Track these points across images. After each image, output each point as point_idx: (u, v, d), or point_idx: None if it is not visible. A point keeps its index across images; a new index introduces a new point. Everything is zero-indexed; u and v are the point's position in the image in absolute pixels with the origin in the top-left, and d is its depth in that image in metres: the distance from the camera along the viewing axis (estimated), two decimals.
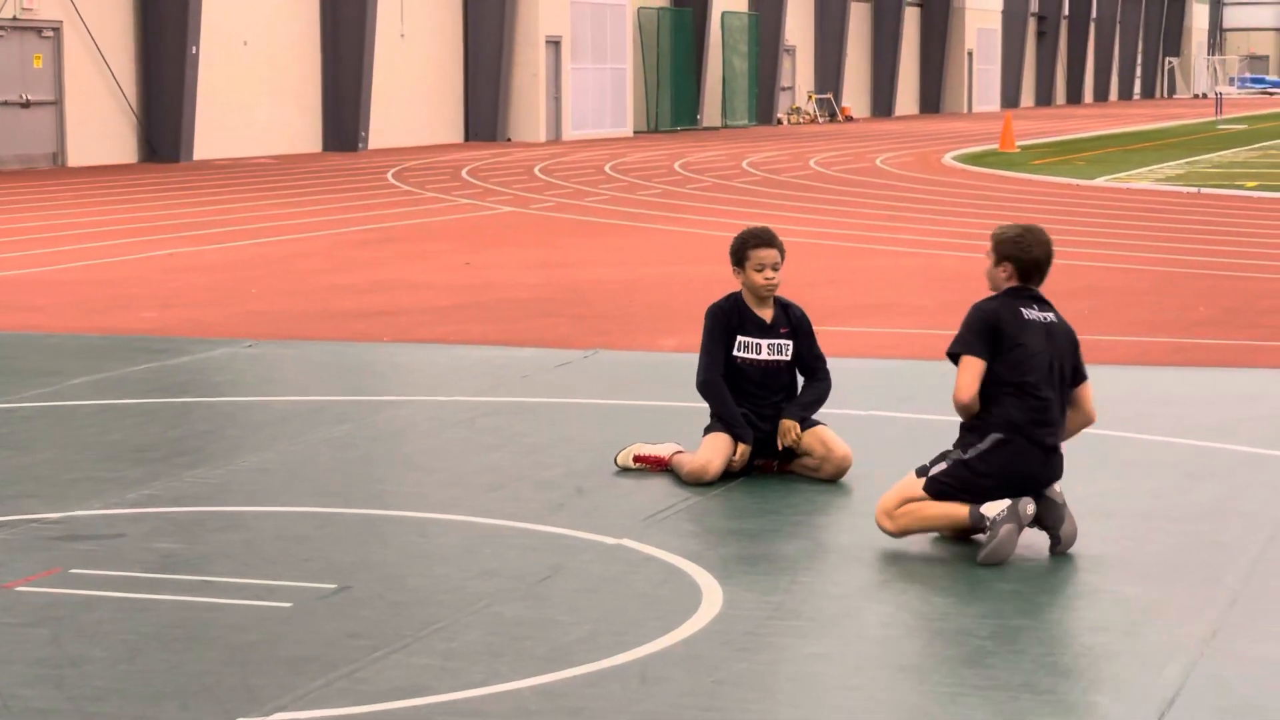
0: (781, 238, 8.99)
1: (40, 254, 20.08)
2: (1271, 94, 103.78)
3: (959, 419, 7.55)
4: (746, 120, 60.77)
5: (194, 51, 37.97)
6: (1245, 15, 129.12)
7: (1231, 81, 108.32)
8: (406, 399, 11.16)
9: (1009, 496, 7.31)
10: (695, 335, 9.52)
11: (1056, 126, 59.06)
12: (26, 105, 35.83)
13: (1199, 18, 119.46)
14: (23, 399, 10.86)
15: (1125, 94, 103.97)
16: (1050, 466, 7.41)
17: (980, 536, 7.44)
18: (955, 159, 38.65)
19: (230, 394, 11.34)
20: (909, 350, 13.01)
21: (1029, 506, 7.29)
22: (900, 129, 58.07)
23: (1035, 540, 7.43)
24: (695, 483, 8.60)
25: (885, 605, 6.77)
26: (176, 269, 18.53)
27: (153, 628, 6.35)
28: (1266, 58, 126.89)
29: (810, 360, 8.97)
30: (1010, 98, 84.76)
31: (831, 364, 9.07)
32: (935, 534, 7.59)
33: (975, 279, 16.98)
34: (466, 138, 48.32)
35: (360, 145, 43.15)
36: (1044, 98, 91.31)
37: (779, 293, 8.97)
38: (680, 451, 8.86)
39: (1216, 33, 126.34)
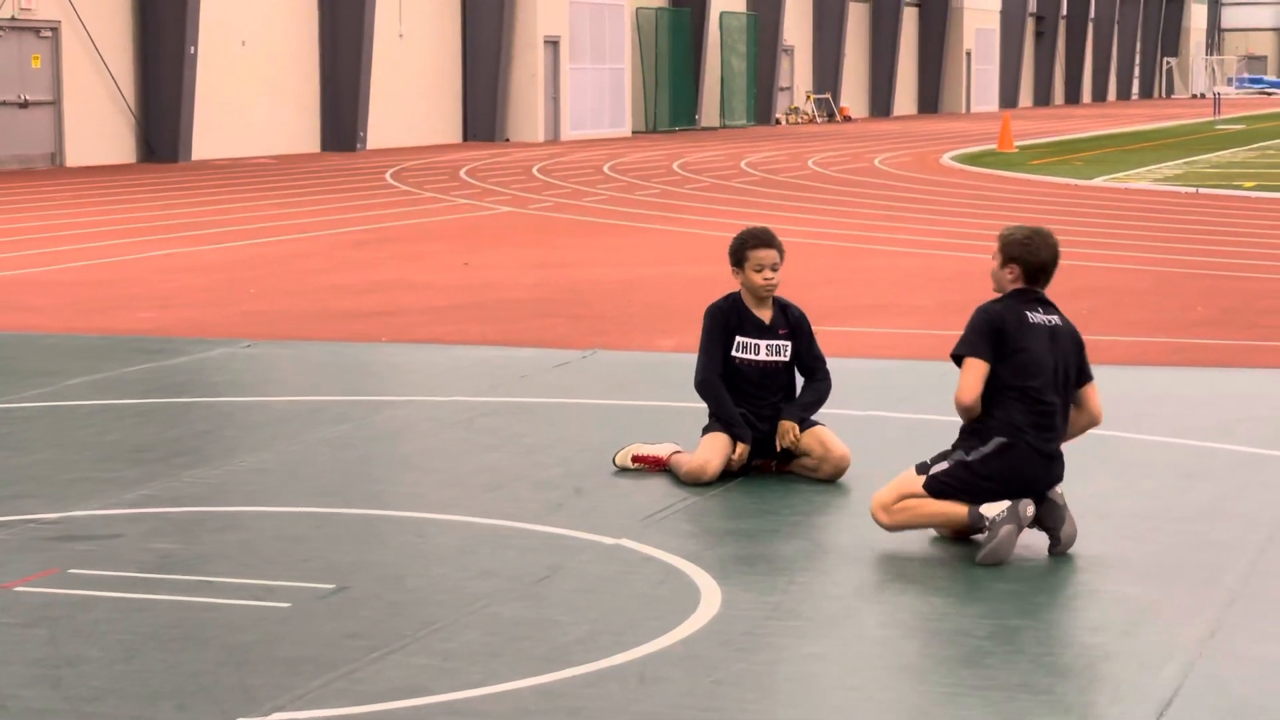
0: (780, 238, 8.99)
1: (38, 254, 20.07)
2: (1269, 94, 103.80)
3: (959, 419, 7.55)
4: (745, 120, 60.78)
5: (192, 51, 37.97)
6: (1243, 15, 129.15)
7: (1229, 82, 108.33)
8: (405, 399, 11.16)
9: (1009, 498, 7.31)
10: (693, 335, 9.52)
11: (1055, 127, 59.07)
12: (24, 105, 35.83)
13: (1197, 18, 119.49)
14: (20, 399, 10.86)
15: (1123, 94, 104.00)
16: (1051, 470, 7.41)
17: (979, 537, 7.44)
18: (953, 159, 38.65)
19: (228, 394, 11.33)
20: (907, 350, 13.01)
21: (1029, 508, 7.29)
22: (898, 129, 58.08)
23: (1033, 540, 7.43)
24: (694, 483, 8.60)
25: (883, 605, 6.77)
26: (174, 269, 18.52)
27: (150, 628, 6.35)
28: (1265, 58, 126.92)
29: (809, 361, 8.97)
30: (1008, 98, 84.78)
31: (830, 364, 9.07)
32: (934, 535, 7.59)
33: (974, 279, 17.02)
34: (465, 138, 48.33)
35: (359, 145, 43.15)
36: (1042, 98, 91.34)
37: (778, 293, 8.97)
38: (678, 451, 8.85)
39: (1214, 33, 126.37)
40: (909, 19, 75.74)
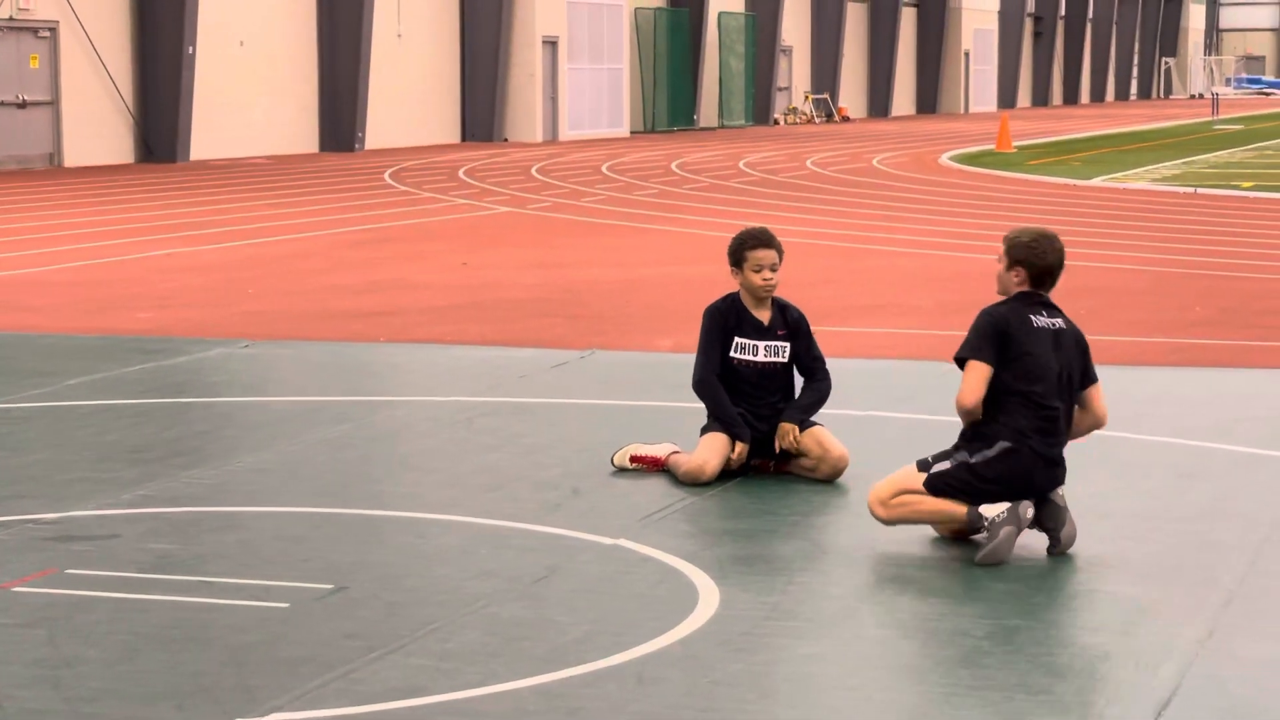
0: (779, 238, 8.99)
1: (36, 254, 20.07)
2: (1268, 94, 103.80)
3: (958, 420, 7.54)
4: (743, 120, 60.78)
5: (191, 52, 37.96)
6: (1242, 15, 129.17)
7: (1228, 82, 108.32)
8: (403, 399, 11.16)
9: (1010, 500, 7.31)
10: (692, 335, 9.52)
11: (1053, 127, 59.08)
12: (23, 105, 35.82)
13: (1195, 18, 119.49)
14: (19, 399, 10.86)
15: (1122, 94, 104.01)
16: (1053, 474, 7.40)
17: (978, 537, 7.44)
18: (952, 159, 38.65)
19: (227, 394, 11.33)
20: (906, 350, 13.02)
21: (1029, 510, 7.29)
22: (897, 129, 58.09)
23: (1032, 541, 7.43)
24: (692, 483, 8.60)
25: (882, 606, 6.77)
26: (173, 269, 18.52)
27: (149, 628, 6.35)
28: (1263, 58, 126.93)
29: (808, 362, 8.97)
30: (1007, 98, 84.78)
31: (828, 364, 9.07)
32: (933, 535, 7.59)
33: (972, 279, 17.03)
34: (463, 138, 48.32)
35: (357, 145, 43.15)
36: (1040, 98, 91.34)
37: (777, 293, 8.96)
38: (677, 451, 8.85)
39: (1213, 33, 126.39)
40: (907, 19, 75.75)
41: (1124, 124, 61.34)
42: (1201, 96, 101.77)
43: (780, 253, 8.91)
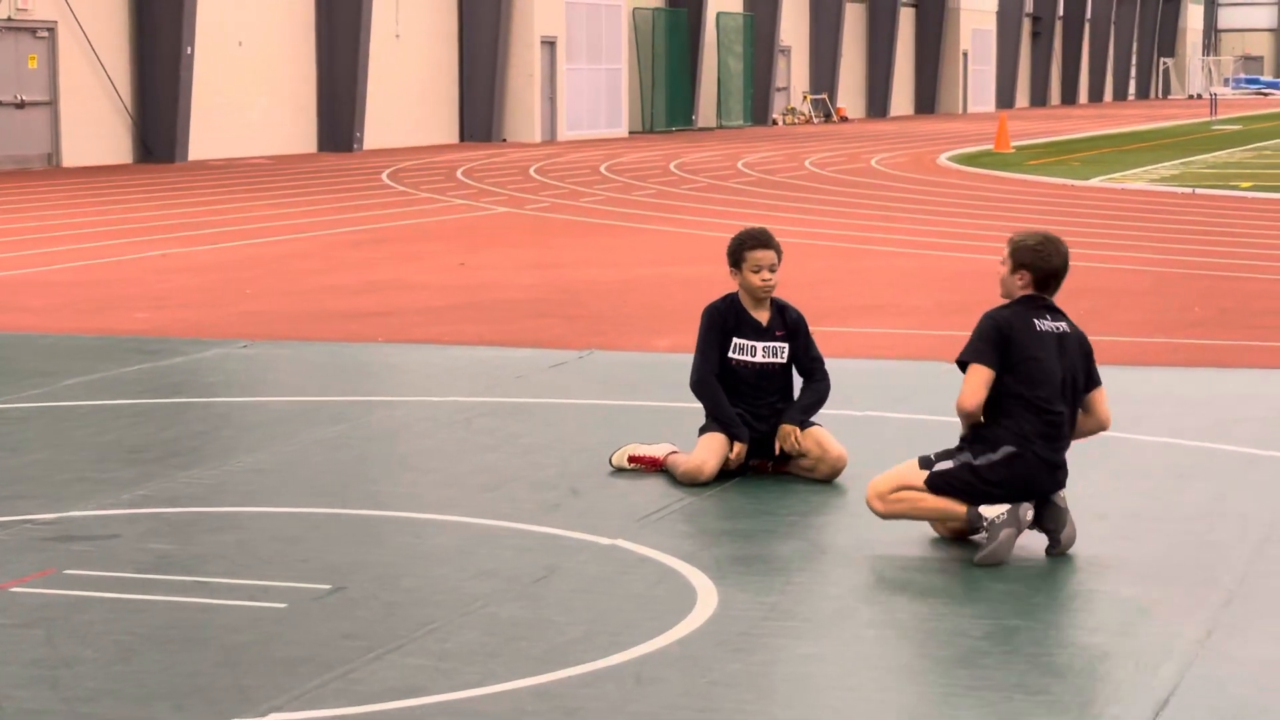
0: (777, 239, 8.99)
1: (34, 255, 20.07)
2: (1266, 95, 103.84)
3: (956, 420, 7.53)
4: (742, 121, 60.79)
5: (189, 52, 37.96)
6: (1240, 16, 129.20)
7: (1226, 82, 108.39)
8: (401, 399, 11.16)
9: (1011, 502, 7.30)
10: (690, 335, 9.52)
11: (1051, 127, 59.09)
12: (21, 106, 35.81)
13: (1194, 18, 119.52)
14: (17, 399, 10.85)
15: (1120, 94, 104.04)
16: (1056, 477, 7.40)
17: (977, 537, 7.43)
18: (950, 159, 38.66)
19: (224, 394, 11.33)
20: (904, 350, 13.01)
21: (1029, 512, 7.29)
22: (895, 129, 58.10)
23: (1030, 541, 7.43)
24: (690, 483, 8.60)
25: (880, 606, 6.77)
26: (171, 269, 18.52)
27: (147, 628, 6.34)
28: (1261, 58, 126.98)
29: (807, 362, 8.96)
30: (1005, 98, 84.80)
31: (827, 364, 9.07)
32: (932, 535, 7.59)
33: (971, 279, 17.03)
34: (461, 138, 48.32)
35: (355, 146, 43.14)
36: (1039, 98, 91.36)
37: (775, 294, 8.96)
38: (675, 452, 8.85)
39: (1211, 33, 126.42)
40: (905, 19, 75.76)
41: (1122, 124, 61.35)
42: (1200, 97, 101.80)
43: (779, 253, 8.90)
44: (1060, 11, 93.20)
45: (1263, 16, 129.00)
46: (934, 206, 26.63)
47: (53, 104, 36.46)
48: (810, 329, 9.04)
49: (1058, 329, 7.45)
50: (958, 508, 7.38)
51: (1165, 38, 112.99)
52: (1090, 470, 8.59)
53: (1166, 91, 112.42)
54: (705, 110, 58.78)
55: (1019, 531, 7.26)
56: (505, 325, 14.34)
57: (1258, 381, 11.62)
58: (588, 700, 5.64)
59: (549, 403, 10.84)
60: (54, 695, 5.68)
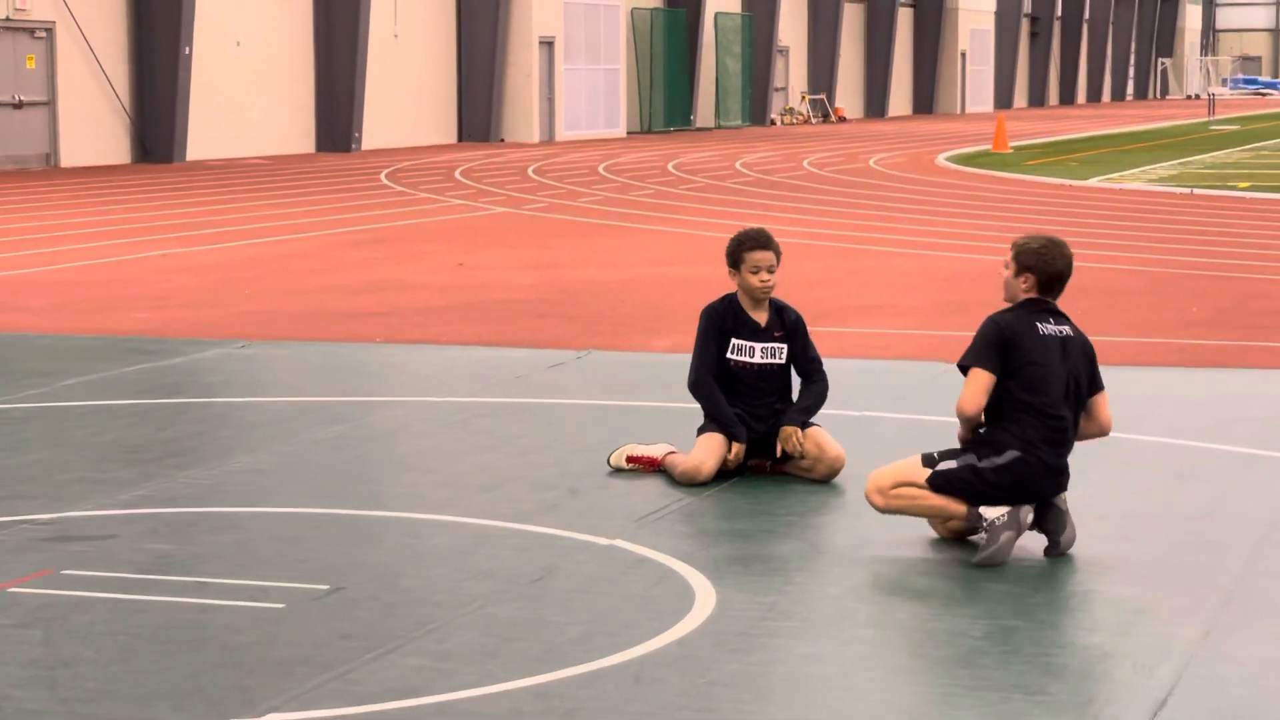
0: (776, 239, 8.99)
1: (33, 255, 20.07)
2: (1264, 95, 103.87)
3: (954, 420, 7.53)
4: (740, 121, 60.79)
5: (187, 52, 37.96)
6: (1238, 16, 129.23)
7: (1224, 82, 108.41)
8: (400, 400, 11.16)
9: (1012, 504, 7.30)
10: (688, 336, 9.52)
11: (1049, 127, 59.10)
12: (19, 106, 35.81)
13: (1192, 18, 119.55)
14: (16, 400, 10.85)
15: (1118, 95, 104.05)
16: (1058, 481, 7.39)
17: (976, 538, 7.44)
18: (948, 160, 38.66)
19: (223, 395, 11.33)
20: (902, 351, 13.02)
21: (1029, 515, 7.29)
22: (893, 130, 58.10)
23: (1029, 542, 7.43)
24: (688, 483, 8.60)
25: (879, 606, 6.77)
26: (169, 270, 18.52)
27: (146, 629, 6.34)
28: (1259, 59, 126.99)
29: (805, 363, 8.97)
30: (1003, 98, 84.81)
31: (825, 365, 9.07)
32: (932, 536, 7.59)
33: (969, 279, 17.03)
34: (460, 138, 48.32)
35: (353, 146, 43.14)
36: (1037, 98, 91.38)
37: (774, 294, 8.96)
38: (673, 452, 8.85)
39: (1209, 33, 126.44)
40: (904, 19, 75.76)
41: (1120, 124, 61.36)
42: (1198, 97, 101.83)
43: (778, 254, 8.90)
44: (1058, 12, 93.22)
45: (1261, 16, 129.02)
46: (932, 207, 26.63)
47: (51, 104, 36.45)
48: (808, 329, 9.04)
49: (1061, 333, 7.43)
50: (958, 507, 7.38)
51: (1163, 38, 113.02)
52: (1089, 470, 8.58)
53: (1164, 92, 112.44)
54: (703, 110, 58.79)
55: (1019, 534, 7.27)
56: (504, 325, 14.34)
57: (1256, 381, 11.62)
58: (586, 700, 5.65)
59: (547, 403, 10.84)
60: (52, 696, 5.68)
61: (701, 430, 8.82)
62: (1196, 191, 29.01)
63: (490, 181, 32.29)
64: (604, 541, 7.55)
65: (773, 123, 62.80)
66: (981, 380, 7.35)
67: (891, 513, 7.54)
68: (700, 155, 41.04)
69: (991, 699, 5.68)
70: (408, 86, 46.12)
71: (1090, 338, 7.65)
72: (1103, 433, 7.64)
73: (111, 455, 9.30)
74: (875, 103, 73.08)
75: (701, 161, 38.50)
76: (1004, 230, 21.72)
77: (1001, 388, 7.35)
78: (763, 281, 8.82)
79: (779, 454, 8.76)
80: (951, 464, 7.42)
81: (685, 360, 9.25)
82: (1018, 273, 7.50)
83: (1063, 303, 7.64)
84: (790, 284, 12.19)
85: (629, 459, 8.89)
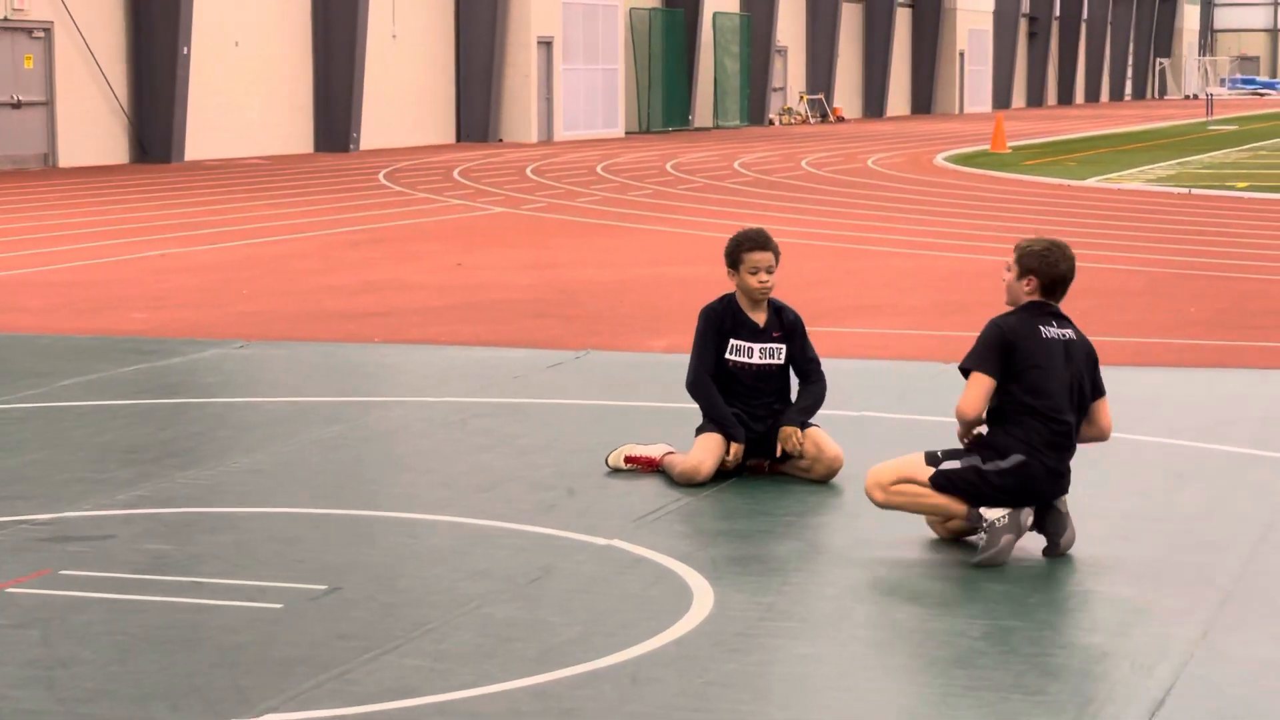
0: (775, 240, 8.98)
1: (31, 255, 20.06)
2: (1262, 95, 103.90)
3: (953, 420, 7.53)
4: (738, 121, 60.79)
5: (185, 52, 37.95)
6: (1236, 16, 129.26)
7: (1222, 82, 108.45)
8: (398, 400, 11.16)
9: (1012, 505, 7.29)
10: (687, 336, 9.52)
11: (1048, 127, 59.11)
12: (17, 106, 35.80)
13: (1190, 19, 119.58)
14: (13, 400, 10.85)
15: (1116, 95, 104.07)
16: (1059, 485, 7.39)
17: (975, 538, 7.43)
18: (947, 160, 38.67)
19: (221, 395, 11.33)
20: (900, 351, 13.02)
21: (1029, 517, 7.28)
22: (892, 130, 58.11)
23: (1028, 542, 7.43)
24: (687, 483, 8.60)
25: (877, 606, 6.77)
26: (168, 270, 18.51)
27: (143, 629, 6.34)
28: (1257, 59, 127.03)
29: (804, 363, 8.97)
30: (1001, 98, 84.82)
31: (823, 365, 9.07)
32: (931, 536, 7.58)
33: (967, 279, 17.03)
34: (458, 138, 48.32)
35: (352, 146, 43.14)
36: (1035, 98, 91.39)
37: (772, 294, 8.95)
38: (672, 452, 8.85)
39: (1207, 34, 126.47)
40: (902, 19, 75.78)
41: (1119, 124, 61.37)
42: (1196, 97, 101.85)
43: (777, 255, 8.90)
44: (1057, 12, 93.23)
45: (1259, 17, 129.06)
46: (930, 207, 26.63)
47: (49, 104, 36.45)
48: (807, 329, 9.04)
49: (1064, 336, 7.42)
50: (958, 507, 7.37)
51: (1161, 38, 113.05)
52: (1087, 470, 8.58)
53: (1163, 92, 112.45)
54: (702, 110, 58.79)
55: (1019, 537, 7.26)
56: (502, 325, 14.34)
57: (1254, 382, 11.62)
58: (584, 701, 5.64)
59: (546, 403, 10.84)
60: (50, 696, 5.68)
61: (700, 430, 8.82)
62: (1195, 191, 29.02)
63: (488, 181, 32.29)
64: (602, 542, 7.54)
65: (771, 123, 62.81)
66: (982, 384, 7.34)
67: (890, 508, 7.53)
68: (698, 155, 41.04)
69: (990, 699, 5.67)
70: (406, 86, 46.13)
71: (1089, 338, 7.64)
72: (1102, 437, 7.63)
73: (109, 455, 9.30)
74: (873, 103, 73.09)
75: (700, 161, 38.50)
76: (1002, 230, 21.72)
77: (1005, 391, 7.34)
78: (761, 282, 8.81)
79: (778, 454, 8.76)
80: (955, 464, 7.41)
81: (683, 360, 9.24)
82: (1020, 275, 7.49)
83: (1062, 303, 7.63)
84: (788, 284, 12.19)
85: (627, 459, 8.88)
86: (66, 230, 23.00)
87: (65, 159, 36.63)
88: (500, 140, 48.32)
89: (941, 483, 7.40)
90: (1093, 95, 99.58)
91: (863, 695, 5.77)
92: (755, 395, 8.85)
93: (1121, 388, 10.93)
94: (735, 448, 8.72)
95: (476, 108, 48.20)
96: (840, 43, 68.71)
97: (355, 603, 6.66)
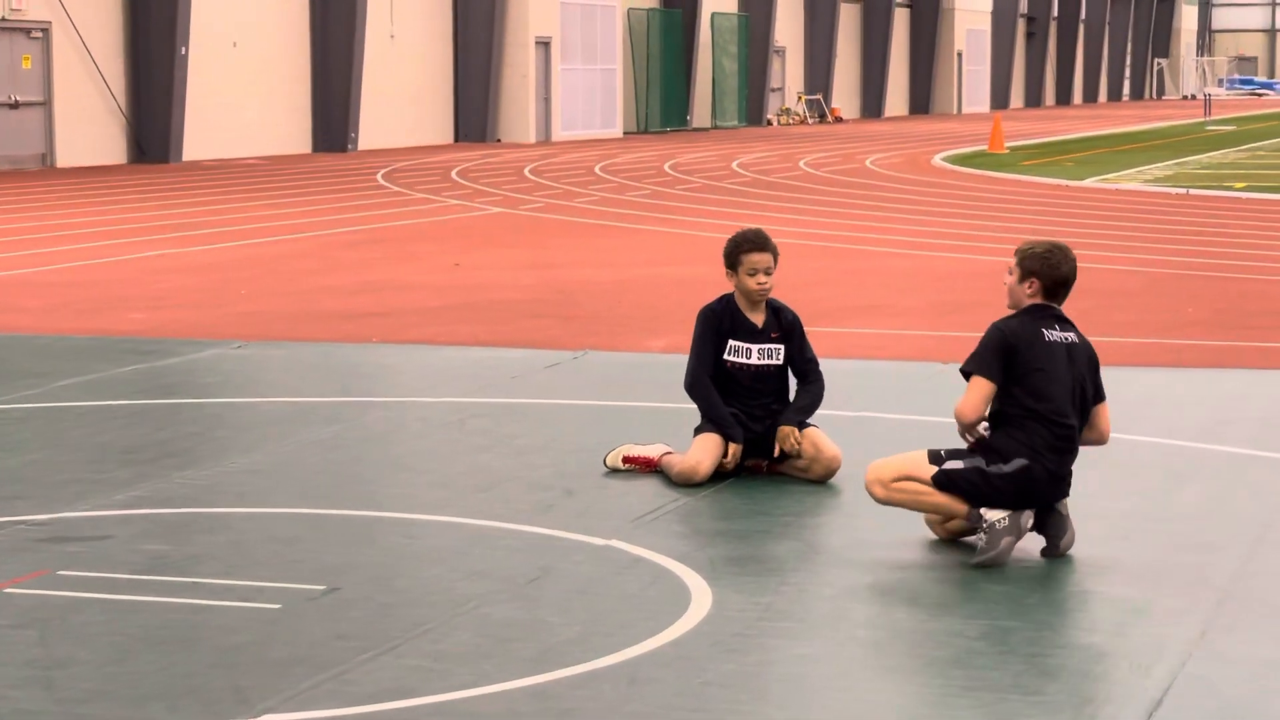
0: (774, 240, 8.98)
1: (29, 255, 20.06)
2: (1260, 95, 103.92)
3: (950, 420, 7.53)
4: (736, 121, 60.79)
5: (183, 52, 37.95)
6: (1234, 16, 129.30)
7: (1220, 83, 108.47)
8: (395, 400, 11.16)
9: (1013, 507, 7.29)
10: (684, 336, 9.52)
11: (1046, 127, 59.12)
12: (15, 106, 35.79)
13: (1188, 19, 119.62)
14: (11, 400, 10.85)
15: (1114, 95, 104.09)
16: (1060, 488, 7.39)
17: (974, 538, 7.43)
18: (945, 160, 38.67)
19: (219, 395, 11.33)
20: (898, 351, 13.02)
21: (1029, 520, 7.28)
22: (890, 130, 58.11)
23: (1026, 542, 7.42)
24: (685, 484, 8.60)
25: (875, 606, 6.77)
26: (166, 270, 18.51)
27: (141, 629, 6.34)
28: (1255, 59, 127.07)
29: (802, 364, 8.97)
30: (999, 99, 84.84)
31: (821, 365, 9.07)
32: (930, 536, 7.58)
33: (965, 279, 17.04)
34: (456, 139, 48.31)
35: (350, 146, 43.13)
36: (1033, 99, 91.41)
37: (771, 294, 8.95)
38: (670, 452, 8.85)
39: (1205, 34, 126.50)
40: (900, 20, 75.79)
41: (1116, 125, 61.38)
42: (1194, 97, 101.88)
43: (776, 256, 8.89)
44: (1055, 12, 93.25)
45: (1256, 17, 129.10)
46: (928, 207, 26.63)
47: (47, 104, 36.44)
48: (805, 329, 9.04)
49: (1066, 339, 7.41)
50: (959, 506, 7.37)
51: (1159, 38, 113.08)
52: (1086, 471, 8.57)
53: (1161, 92, 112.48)
54: (700, 111, 58.79)
55: (1018, 539, 7.26)
56: (500, 326, 14.34)
57: (1252, 382, 11.62)
58: (582, 701, 5.64)
59: (544, 403, 10.84)
60: (48, 696, 5.68)
61: (698, 431, 8.82)
62: (1192, 192, 29.02)
63: (487, 182, 32.29)
64: (600, 542, 7.54)
65: (769, 123, 62.81)
66: (982, 388, 7.33)
67: (890, 504, 7.52)
68: (697, 155, 41.04)
69: (988, 699, 5.67)
70: (404, 87, 46.12)
71: (1088, 338, 7.64)
72: (1101, 441, 7.62)
73: (107, 456, 9.30)
74: (871, 103, 73.10)
75: (698, 162, 38.50)
76: (1000, 231, 21.73)
77: (1007, 395, 7.33)
78: (760, 283, 8.81)
79: (776, 454, 8.76)
80: (958, 464, 7.40)
81: (682, 361, 9.24)
82: (1022, 278, 7.48)
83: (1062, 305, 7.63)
84: (787, 284, 12.19)
85: (625, 459, 8.88)
86: (64, 230, 22.99)
87: (63, 159, 36.62)
88: (498, 140, 48.32)
89: (944, 482, 7.39)
90: (1090, 95, 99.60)
91: (861, 695, 5.77)
92: (754, 395, 8.85)
93: (1120, 388, 10.92)
94: (733, 448, 8.72)
95: (474, 108, 48.20)
96: (838, 43, 68.73)
97: (353, 603, 6.66)
